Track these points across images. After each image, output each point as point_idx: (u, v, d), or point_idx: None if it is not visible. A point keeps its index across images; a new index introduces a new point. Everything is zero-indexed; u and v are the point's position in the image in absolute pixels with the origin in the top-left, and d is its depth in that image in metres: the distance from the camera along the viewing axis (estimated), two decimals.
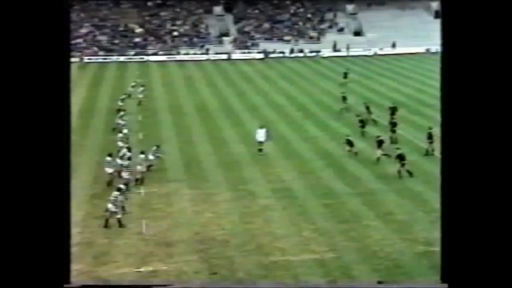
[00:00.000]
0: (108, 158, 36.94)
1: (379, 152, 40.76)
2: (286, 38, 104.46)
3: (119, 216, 30.14)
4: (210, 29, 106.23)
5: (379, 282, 22.18)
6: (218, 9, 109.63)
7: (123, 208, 30.80)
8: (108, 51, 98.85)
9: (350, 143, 42.77)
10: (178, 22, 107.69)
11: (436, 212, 27.97)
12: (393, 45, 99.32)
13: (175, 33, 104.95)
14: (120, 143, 40.89)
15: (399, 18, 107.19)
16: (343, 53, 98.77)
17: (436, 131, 39.12)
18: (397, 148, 39.53)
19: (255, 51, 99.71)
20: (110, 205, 30.16)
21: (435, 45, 79.09)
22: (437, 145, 39.48)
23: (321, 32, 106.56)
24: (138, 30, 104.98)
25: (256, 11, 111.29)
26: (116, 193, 30.72)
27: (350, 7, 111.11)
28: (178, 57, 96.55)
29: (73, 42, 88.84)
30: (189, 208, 33.10)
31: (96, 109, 59.19)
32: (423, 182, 36.40)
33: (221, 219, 31.31)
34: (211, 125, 53.07)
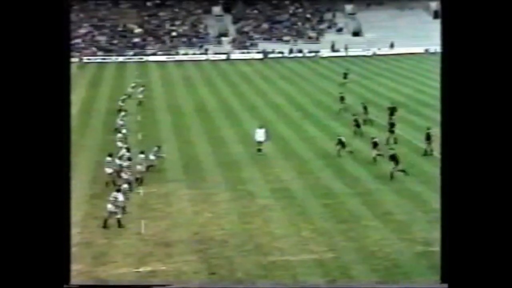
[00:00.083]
0: (108, 158, 36.89)
1: (374, 152, 40.75)
2: (285, 38, 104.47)
3: (118, 216, 30.13)
4: (209, 29, 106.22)
5: None
6: (217, 9, 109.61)
7: (123, 208, 30.80)
8: (107, 51, 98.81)
9: (341, 143, 42.50)
10: (177, 22, 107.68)
11: (434, 212, 28.03)
12: (391, 45, 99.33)
13: (174, 33, 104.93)
14: (119, 143, 40.93)
15: (398, 18, 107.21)
16: (342, 53, 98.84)
17: (435, 131, 39.16)
18: (391, 149, 39.48)
19: (254, 51, 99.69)
20: (109, 206, 30.14)
21: (434, 45, 79.22)
22: (436, 146, 39.54)
23: (320, 32, 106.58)
24: (137, 30, 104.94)
25: (255, 11, 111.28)
26: (115, 193, 30.71)
27: (349, 7, 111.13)
28: (177, 57, 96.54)
29: (72, 42, 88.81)
30: (188, 208, 33.10)
31: (95, 109, 59.15)
32: (421, 182, 36.43)
33: (220, 219, 31.30)
34: (210, 125, 53.06)
